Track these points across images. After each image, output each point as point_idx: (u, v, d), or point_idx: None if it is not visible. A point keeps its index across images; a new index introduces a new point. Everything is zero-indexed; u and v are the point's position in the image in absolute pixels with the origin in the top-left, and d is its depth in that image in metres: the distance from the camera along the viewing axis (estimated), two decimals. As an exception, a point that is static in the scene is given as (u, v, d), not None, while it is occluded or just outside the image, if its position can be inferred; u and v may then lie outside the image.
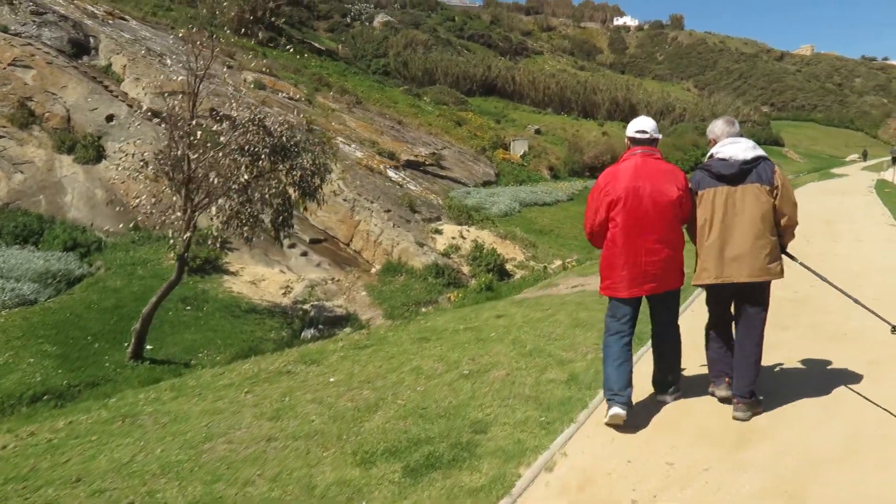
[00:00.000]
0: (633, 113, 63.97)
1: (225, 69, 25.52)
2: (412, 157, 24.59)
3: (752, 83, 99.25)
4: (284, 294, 13.52)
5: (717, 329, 4.21)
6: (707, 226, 3.97)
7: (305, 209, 11.15)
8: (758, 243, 3.89)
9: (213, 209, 10.13)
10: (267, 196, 9.89)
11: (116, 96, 18.97)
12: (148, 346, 10.76)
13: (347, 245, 16.30)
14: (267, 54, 33.77)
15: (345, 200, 16.74)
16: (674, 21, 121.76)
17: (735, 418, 3.87)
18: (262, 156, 9.86)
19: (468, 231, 17.43)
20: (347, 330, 11.83)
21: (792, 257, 4.20)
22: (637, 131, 4.11)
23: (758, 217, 3.90)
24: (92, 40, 21.81)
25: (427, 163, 25.08)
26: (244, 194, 9.71)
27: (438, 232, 16.75)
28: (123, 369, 9.89)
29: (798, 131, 76.24)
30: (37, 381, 9.42)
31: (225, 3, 36.23)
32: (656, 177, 4.00)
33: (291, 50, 35.78)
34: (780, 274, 3.96)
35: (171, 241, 10.16)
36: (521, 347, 5.26)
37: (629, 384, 3.95)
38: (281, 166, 10.09)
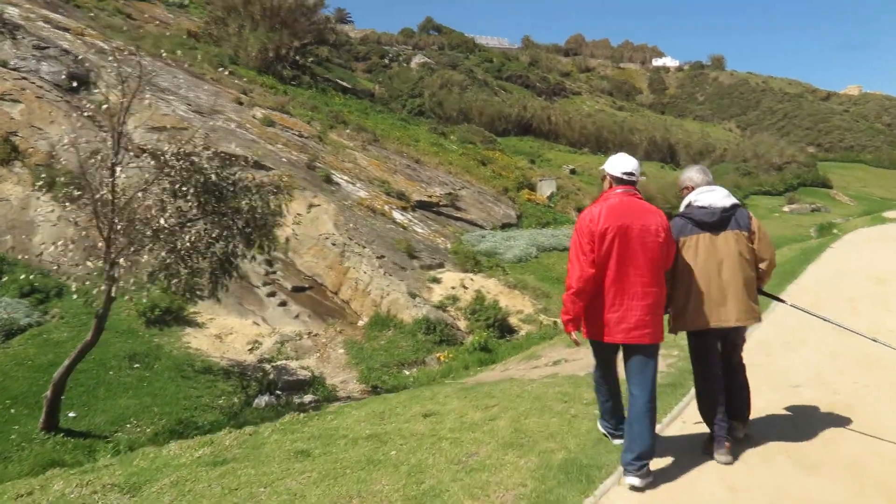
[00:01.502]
0: (671, 153, 62.01)
1: (235, 105, 24.84)
2: (425, 198, 23.17)
3: (797, 123, 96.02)
4: (251, 350, 12.00)
5: (705, 371, 4.17)
6: (691, 272, 4.04)
7: (254, 258, 9.62)
8: (744, 289, 4.03)
9: (144, 258, 8.69)
10: (194, 244, 8.41)
11: (106, 132, 18.04)
12: (71, 414, 9.31)
13: (336, 294, 14.77)
14: (288, 92, 33.16)
15: (334, 245, 15.28)
16: (714, 62, 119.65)
17: (721, 462, 3.93)
18: (188, 196, 8.42)
19: (472, 280, 15.74)
20: (310, 396, 10.22)
21: (778, 298, 4.52)
22: (624, 173, 4.01)
23: (741, 263, 4.04)
24: (92, 75, 21.18)
25: (441, 203, 23.62)
26: (168, 242, 8.25)
27: (436, 281, 15.11)
28: (29, 443, 8.42)
29: (847, 172, 72.74)
30: (-77, 457, 8.03)
31: (249, 41, 35.95)
32: (643, 216, 3.91)
33: (312, 88, 35.23)
34: (760, 317, 4.14)
35: (84, 295, 8.70)
36: (415, 484, 3.56)
37: (623, 419, 3.99)
38: (212, 209, 8.64)
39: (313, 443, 4.55)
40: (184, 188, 8.44)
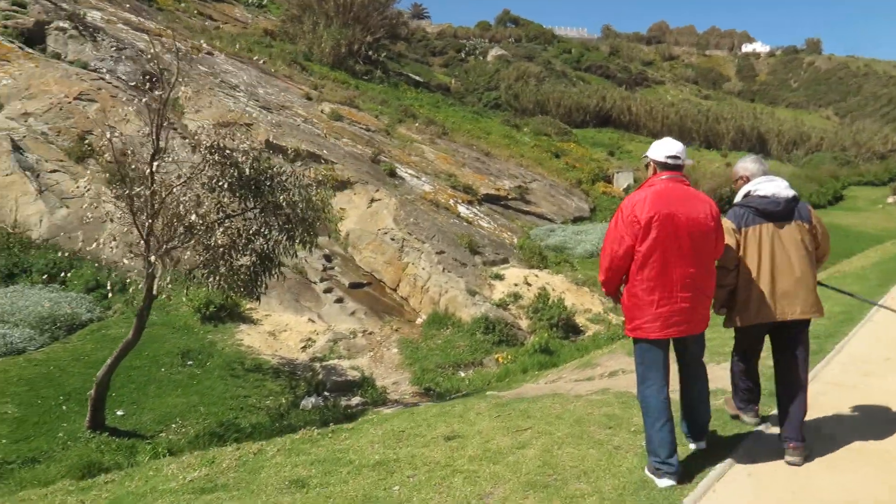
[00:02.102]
0: (760, 142, 58.55)
1: (304, 100, 24.90)
2: (493, 191, 22.48)
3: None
4: (304, 349, 11.70)
5: (750, 361, 4.21)
6: (756, 264, 3.95)
7: (297, 253, 9.20)
8: (807, 280, 3.95)
9: (187, 254, 8.46)
10: (234, 241, 8.07)
11: (175, 129, 18.33)
12: (119, 412, 9.24)
13: (394, 290, 14.35)
14: (360, 86, 33.16)
15: (392, 240, 14.84)
16: (810, 45, 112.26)
17: (791, 463, 3.78)
18: (224, 191, 8.08)
19: (536, 276, 14.95)
20: (357, 399, 9.78)
21: (825, 285, 4.36)
22: (669, 156, 3.83)
23: (805, 255, 3.97)
24: (165, 73, 21.62)
25: (510, 197, 22.87)
26: (203, 239, 7.94)
27: (499, 277, 14.42)
28: (75, 442, 8.35)
29: (961, 161, 66.62)
30: (-26, 451, 8.07)
31: (323, 38, 36.19)
32: (691, 203, 3.74)
33: (384, 83, 35.14)
34: (823, 311, 4.04)
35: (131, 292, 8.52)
36: (406, 534, 2.93)
37: (675, 448, 3.65)
38: (252, 204, 8.27)
39: (315, 469, 4.01)
40: (220, 182, 8.11)
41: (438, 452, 4.03)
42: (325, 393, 9.95)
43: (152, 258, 7.97)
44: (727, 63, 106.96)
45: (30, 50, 20.99)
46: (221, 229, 7.89)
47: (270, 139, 17.83)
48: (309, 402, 9.63)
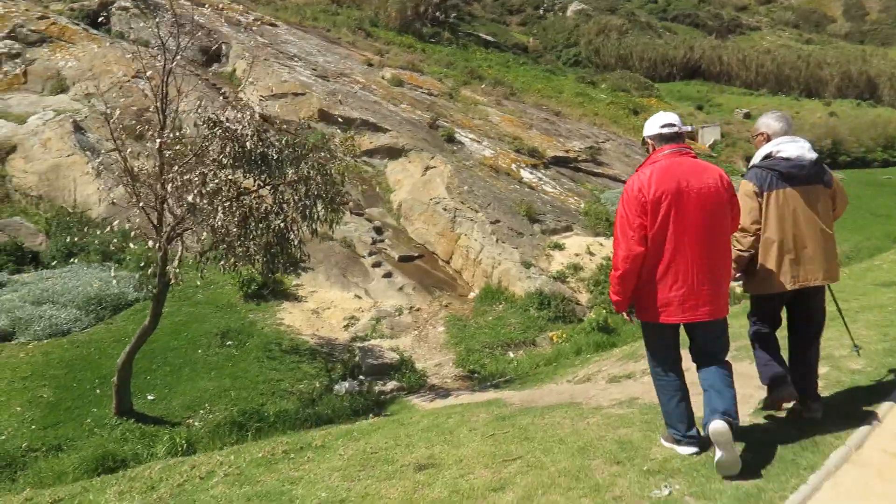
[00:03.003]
0: (870, 88, 53.36)
1: (365, 66, 24.24)
2: (561, 153, 21.17)
3: None
4: (346, 327, 11.17)
5: (766, 332, 4.01)
6: (779, 229, 3.82)
7: (315, 233, 8.50)
8: (830, 246, 3.90)
9: (204, 235, 7.97)
10: (244, 221, 7.48)
11: (230, 102, 18.08)
12: (150, 396, 9.01)
13: (447, 263, 13.59)
14: (426, 50, 32.22)
15: (445, 210, 14.02)
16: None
17: (812, 419, 3.84)
18: (225, 167, 7.47)
19: (601, 245, 13.79)
20: (393, 384, 9.15)
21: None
22: (663, 125, 3.62)
23: (828, 220, 3.90)
24: (224, 47, 21.46)
25: (579, 159, 21.49)
26: (212, 220, 7.39)
27: (559, 247, 13.36)
28: (101, 429, 8.15)
29: None
30: (5, 437, 7.99)
31: (389, 2, 35.32)
32: (699, 176, 3.47)
33: (453, 45, 34.04)
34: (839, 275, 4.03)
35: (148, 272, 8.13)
36: None
37: (694, 421, 3.57)
38: (258, 181, 7.62)
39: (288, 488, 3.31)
40: (222, 159, 7.51)
41: (398, 490, 3.26)
42: (361, 377, 9.36)
43: (156, 244, 7.53)
44: (832, 2, 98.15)
45: (94, 31, 21.28)
46: (222, 209, 7.30)
47: (323, 108, 17.28)
48: (343, 387, 9.08)
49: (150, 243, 7.81)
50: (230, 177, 7.50)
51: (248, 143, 7.46)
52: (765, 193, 3.82)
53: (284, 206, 7.77)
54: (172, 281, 7.72)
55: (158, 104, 7.85)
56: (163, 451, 7.40)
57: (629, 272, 3.45)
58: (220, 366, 9.79)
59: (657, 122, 3.65)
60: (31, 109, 18.18)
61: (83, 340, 10.35)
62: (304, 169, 7.83)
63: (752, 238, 3.85)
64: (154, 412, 8.61)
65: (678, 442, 3.55)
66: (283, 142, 8.06)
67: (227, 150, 7.53)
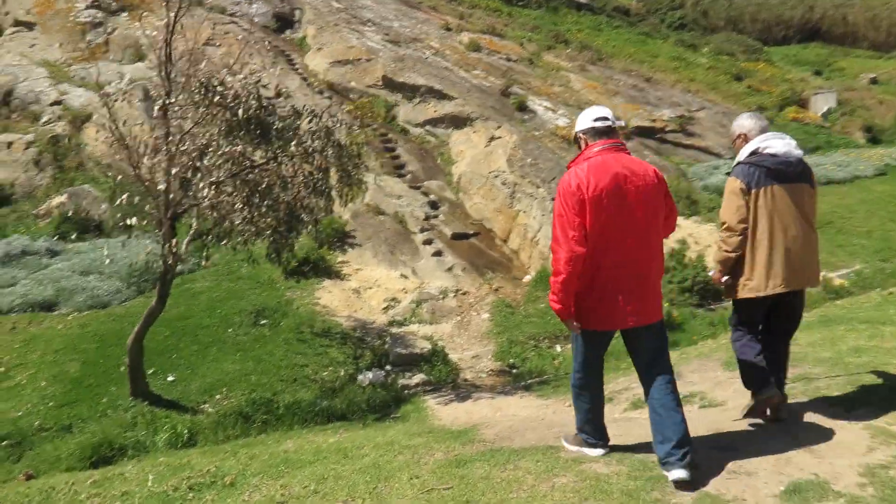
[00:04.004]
0: None
1: (442, 31, 23.25)
2: (646, 123, 19.52)
3: None
4: (385, 310, 10.49)
5: (753, 335, 3.88)
6: (767, 228, 3.69)
7: (328, 211, 7.73)
8: (815, 247, 3.84)
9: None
10: (247, 197, 6.82)
11: (296, 69, 17.69)
12: (170, 378, 8.70)
13: (505, 242, 12.61)
14: (513, 13, 30.74)
15: (504, 184, 12.99)
16: None
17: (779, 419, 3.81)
18: (218, 136, 6.80)
19: (677, 225, 12.31)
20: (419, 378, 8.39)
21: None
22: (596, 119, 3.48)
23: (811, 220, 3.81)
24: (297, 13, 21.06)
25: (666, 129, 19.74)
26: (210, 196, 6.78)
27: (628, 228, 12.04)
28: (114, 411, 7.87)
29: None
30: (21, 413, 7.88)
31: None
32: (636, 172, 3.35)
33: (542, 8, 32.39)
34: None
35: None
36: None
37: (605, 431, 3.63)
38: (259, 153, 6.90)
39: None
40: (220, 128, 6.86)
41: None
42: (388, 367, 8.65)
43: (158, 221, 7.04)
44: None
45: (173, -1, 21.42)
46: (212, 187, 6.66)
47: (387, 75, 16.52)
48: (367, 378, 8.40)
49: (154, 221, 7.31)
50: (235, 149, 6.84)
51: (239, 112, 6.75)
52: (752, 191, 3.66)
53: (289, 181, 7.04)
54: (170, 261, 7.22)
55: (162, 67, 7.16)
56: (163, 442, 7.00)
57: (572, 275, 3.26)
58: (248, 347, 9.36)
59: (590, 116, 3.51)
60: (109, 78, 18.51)
61: (119, 314, 10.21)
62: (308, 139, 7.05)
63: (740, 238, 3.69)
64: (171, 394, 8.26)
65: (589, 445, 3.57)
66: (286, 110, 7.30)
67: (219, 118, 6.85)
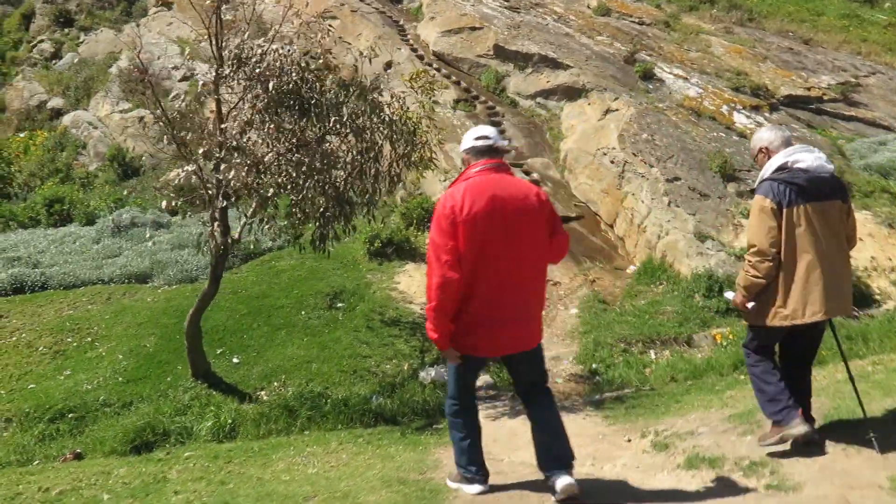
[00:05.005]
0: None
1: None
2: (800, 91, 17.02)
3: None
4: (466, 298, 9.70)
5: (770, 361, 3.66)
6: (799, 252, 3.45)
7: (378, 193, 6.96)
8: (849, 272, 3.62)
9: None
10: (291, 180, 6.27)
11: (406, 40, 17.14)
12: (235, 360, 8.54)
13: (611, 227, 11.38)
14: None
15: (612, 162, 11.68)
16: None
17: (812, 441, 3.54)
18: (258, 110, 6.24)
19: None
20: (485, 379, 7.60)
21: None
22: (477, 138, 3.49)
23: (844, 241, 3.59)
24: (415, -19, 20.46)
25: (824, 98, 17.12)
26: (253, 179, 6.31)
27: (756, 215, 10.36)
28: (174, 390, 7.81)
29: None
30: (92, 387, 8.03)
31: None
32: (516, 194, 3.30)
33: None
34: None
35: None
36: None
37: (482, 461, 3.55)
38: (307, 128, 6.26)
39: None
40: (259, 102, 6.32)
41: None
42: (453, 364, 7.89)
43: (206, 203, 6.70)
44: None
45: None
46: (232, 164, 6.16)
47: (499, 43, 15.53)
48: (430, 375, 7.75)
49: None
50: (271, 126, 6.30)
51: (270, 85, 6.17)
52: (784, 210, 3.44)
53: (336, 161, 6.40)
54: (220, 243, 6.88)
55: (213, 38, 6.76)
56: (206, 430, 6.77)
57: (445, 301, 3.19)
58: (317, 331, 9.01)
59: (471, 135, 3.48)
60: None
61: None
62: (351, 114, 6.35)
63: (771, 263, 3.45)
64: (232, 378, 8.08)
65: (468, 481, 3.51)
66: (326, 83, 6.65)
67: (252, 92, 6.33)
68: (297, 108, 6.27)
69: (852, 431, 3.68)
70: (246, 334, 9.04)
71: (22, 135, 18.92)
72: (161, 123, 6.76)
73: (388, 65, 16.06)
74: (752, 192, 3.81)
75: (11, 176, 16.38)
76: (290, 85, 6.23)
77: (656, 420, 5.07)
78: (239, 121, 6.51)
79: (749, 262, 3.52)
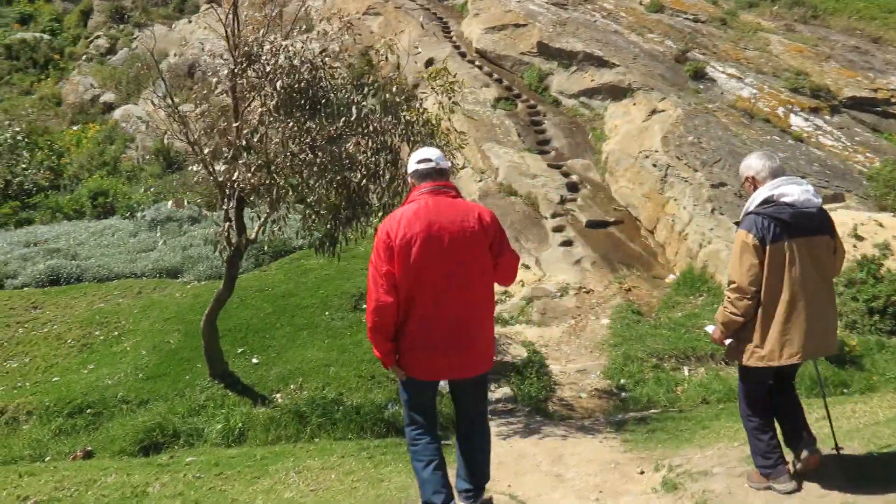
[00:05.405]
0: None
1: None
2: (865, 93, 16.04)
3: None
4: (496, 304, 9.38)
5: (765, 413, 3.56)
6: (783, 289, 3.31)
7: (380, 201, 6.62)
8: (834, 310, 3.49)
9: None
10: (302, 180, 6.08)
11: (449, 37, 16.86)
12: (254, 360, 8.42)
13: (651, 233, 10.87)
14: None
15: (654, 166, 11.16)
16: None
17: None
18: (268, 109, 6.04)
19: (880, 225, 9.72)
20: (503, 392, 7.29)
21: None
22: (419, 161, 3.43)
23: (831, 278, 3.51)
24: (461, -23, 20.16)
25: (893, 100, 16.08)
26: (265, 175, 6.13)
27: (807, 225, 9.70)
28: (191, 389, 7.73)
29: None
30: (112, 382, 8.02)
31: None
32: (458, 216, 3.26)
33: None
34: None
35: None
36: None
37: (452, 493, 3.37)
38: (318, 128, 6.02)
39: None
40: (269, 101, 6.13)
41: None
42: (473, 374, 7.59)
43: (219, 202, 6.57)
44: None
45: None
46: (234, 165, 5.97)
47: (542, 40, 15.11)
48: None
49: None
50: (293, 125, 6.10)
51: (278, 84, 5.96)
52: (768, 247, 3.29)
53: (349, 163, 6.16)
54: (234, 247, 6.74)
55: (228, 37, 6.61)
56: (216, 433, 6.66)
57: (380, 325, 3.23)
58: (339, 333, 8.84)
59: (414, 158, 3.44)
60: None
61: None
62: (364, 115, 6.09)
63: (750, 302, 3.34)
64: (250, 378, 7.96)
65: None
66: (338, 81, 6.41)
67: (261, 91, 6.14)
68: (307, 107, 6.06)
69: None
70: (268, 334, 8.93)
71: (75, 128, 19.44)
72: (202, 118, 6.64)
73: (429, 62, 15.80)
74: (737, 224, 3.68)
75: (62, 168, 16.81)
76: (303, 83, 6.02)
77: (675, 450, 4.67)
78: (250, 120, 6.34)
79: (728, 298, 3.44)
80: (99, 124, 19.27)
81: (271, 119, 6.14)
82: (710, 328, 3.76)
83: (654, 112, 12.78)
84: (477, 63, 15.44)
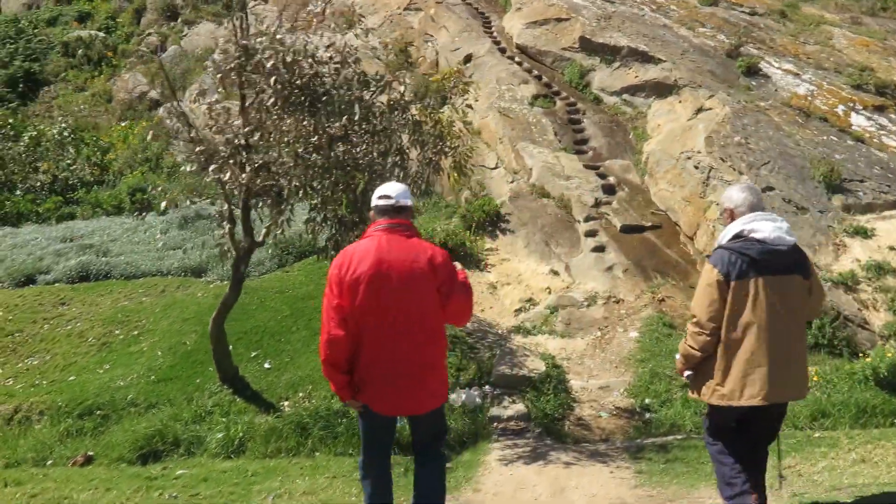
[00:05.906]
0: None
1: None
2: (936, 90, 14.83)
3: None
4: (517, 312, 9.00)
5: (727, 444, 3.44)
6: (746, 328, 3.19)
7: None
8: (803, 353, 3.36)
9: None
10: (306, 180, 5.79)
11: (490, 32, 16.41)
12: (266, 365, 8.23)
13: (691, 239, 10.24)
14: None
15: (696, 168, 10.49)
16: None
17: None
18: (267, 108, 5.75)
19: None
20: (517, 408, 6.88)
21: None
22: (379, 197, 3.48)
23: (802, 320, 3.36)
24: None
25: (967, 98, 14.83)
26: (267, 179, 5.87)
27: (863, 233, 8.94)
28: (200, 394, 7.59)
29: None
30: (125, 384, 7.95)
31: None
32: (409, 255, 3.30)
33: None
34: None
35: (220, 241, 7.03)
36: None
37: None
38: (318, 128, 5.71)
39: None
40: (271, 100, 5.84)
41: None
42: (486, 386, 7.22)
43: (223, 203, 6.36)
44: None
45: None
46: (228, 165, 5.71)
47: (585, 35, 14.52)
48: (461, 398, 7.07)
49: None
50: (291, 125, 5.83)
51: (272, 80, 5.66)
52: (732, 283, 3.22)
53: (351, 164, 5.85)
54: (232, 250, 6.52)
55: (236, 35, 6.38)
56: (216, 443, 6.47)
57: (332, 358, 3.25)
58: (355, 339, 8.55)
59: (376, 194, 3.47)
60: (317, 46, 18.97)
61: (252, 287, 10.04)
62: (368, 114, 5.75)
63: (709, 339, 3.25)
64: (259, 384, 7.76)
65: None
66: (339, 78, 6.07)
67: (256, 88, 5.86)
68: (307, 104, 5.78)
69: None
70: (283, 337, 8.73)
71: (123, 124, 19.78)
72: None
73: (468, 58, 15.40)
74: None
75: (107, 164, 17.09)
76: (304, 79, 5.74)
77: (689, 490, 4.21)
78: (249, 118, 6.10)
79: (689, 331, 3.37)
80: (146, 121, 19.55)
81: (273, 118, 5.87)
82: (678, 356, 3.63)
83: (700, 110, 12.08)
84: (517, 59, 14.95)
